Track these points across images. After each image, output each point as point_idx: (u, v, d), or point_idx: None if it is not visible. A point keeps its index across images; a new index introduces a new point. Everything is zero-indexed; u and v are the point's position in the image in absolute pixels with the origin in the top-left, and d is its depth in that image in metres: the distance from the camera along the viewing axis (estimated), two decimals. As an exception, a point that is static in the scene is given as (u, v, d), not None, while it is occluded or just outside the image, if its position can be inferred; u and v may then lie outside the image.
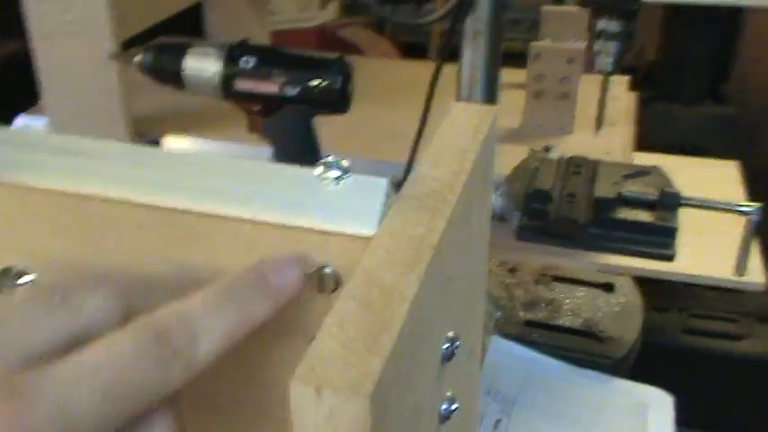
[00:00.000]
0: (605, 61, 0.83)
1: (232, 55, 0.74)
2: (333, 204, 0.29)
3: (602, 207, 0.81)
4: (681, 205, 0.82)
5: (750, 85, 1.93)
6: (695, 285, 1.75)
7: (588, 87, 1.06)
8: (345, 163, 0.29)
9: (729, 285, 1.47)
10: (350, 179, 0.29)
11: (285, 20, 1.66)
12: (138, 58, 0.77)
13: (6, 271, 0.33)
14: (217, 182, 0.30)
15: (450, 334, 0.32)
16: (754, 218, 0.80)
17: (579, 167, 0.88)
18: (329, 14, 1.72)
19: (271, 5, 1.53)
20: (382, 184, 0.29)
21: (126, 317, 0.27)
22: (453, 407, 0.33)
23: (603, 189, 0.82)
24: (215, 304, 0.26)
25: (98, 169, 0.32)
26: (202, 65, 0.75)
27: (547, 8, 1.15)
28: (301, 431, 0.22)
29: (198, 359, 0.25)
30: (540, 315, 0.97)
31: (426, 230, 0.28)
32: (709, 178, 1.00)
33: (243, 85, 0.74)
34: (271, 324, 0.28)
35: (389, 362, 0.23)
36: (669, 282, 0.87)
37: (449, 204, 0.29)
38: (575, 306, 0.99)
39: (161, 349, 0.24)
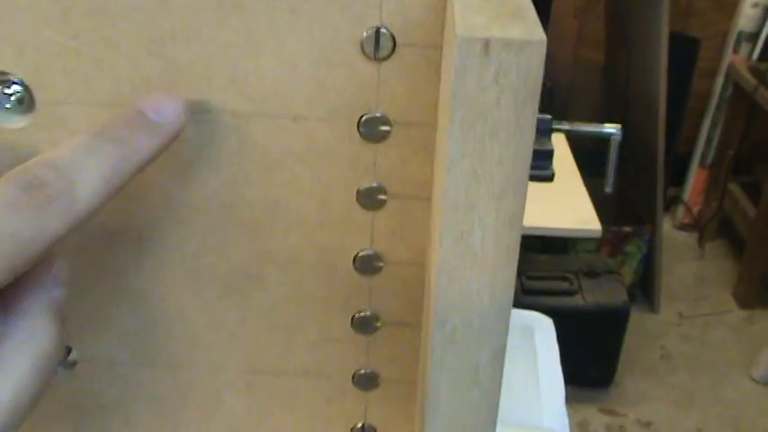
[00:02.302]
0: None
1: None
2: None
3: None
4: (553, 130, 0.86)
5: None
6: (527, 251, 1.84)
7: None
8: None
9: (574, 235, 1.54)
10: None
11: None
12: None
13: None
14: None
15: None
16: (617, 137, 0.87)
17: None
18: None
19: None
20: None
21: None
22: None
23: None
24: (90, 146, 0.25)
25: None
26: None
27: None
28: (461, 91, 0.21)
29: (78, 204, 0.24)
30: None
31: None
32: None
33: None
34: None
35: None
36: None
37: None
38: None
39: (33, 197, 0.23)
